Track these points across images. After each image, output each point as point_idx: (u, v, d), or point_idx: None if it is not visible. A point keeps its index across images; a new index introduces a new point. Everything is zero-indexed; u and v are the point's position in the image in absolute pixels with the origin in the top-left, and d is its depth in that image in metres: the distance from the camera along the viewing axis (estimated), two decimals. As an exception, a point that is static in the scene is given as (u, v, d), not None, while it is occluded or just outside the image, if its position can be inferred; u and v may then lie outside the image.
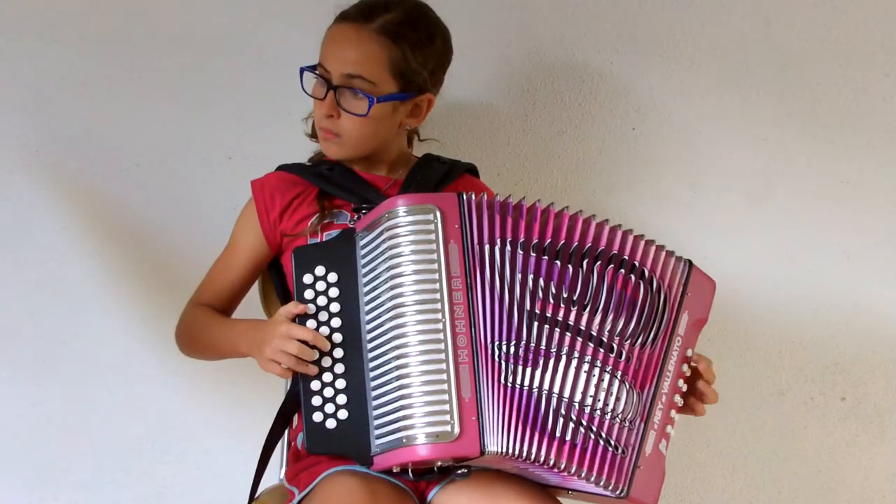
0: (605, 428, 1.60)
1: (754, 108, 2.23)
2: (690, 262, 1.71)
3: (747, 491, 2.33)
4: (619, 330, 1.63)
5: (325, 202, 1.80)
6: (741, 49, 2.21)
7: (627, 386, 1.62)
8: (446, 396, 1.55)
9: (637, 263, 1.65)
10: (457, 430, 1.54)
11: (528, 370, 1.58)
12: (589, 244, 1.64)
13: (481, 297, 1.59)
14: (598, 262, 1.63)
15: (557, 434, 1.57)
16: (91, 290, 2.14)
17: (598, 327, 1.62)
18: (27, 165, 2.11)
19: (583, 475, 1.57)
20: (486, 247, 1.60)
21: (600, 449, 1.58)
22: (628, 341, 1.63)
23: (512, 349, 1.58)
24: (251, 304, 1.91)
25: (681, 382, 1.67)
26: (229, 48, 2.12)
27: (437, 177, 1.84)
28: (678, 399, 1.67)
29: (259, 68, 2.12)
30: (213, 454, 2.22)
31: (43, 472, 2.18)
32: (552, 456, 1.56)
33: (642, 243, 1.67)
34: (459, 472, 1.62)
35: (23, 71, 2.10)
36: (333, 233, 1.76)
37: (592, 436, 1.58)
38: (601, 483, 1.58)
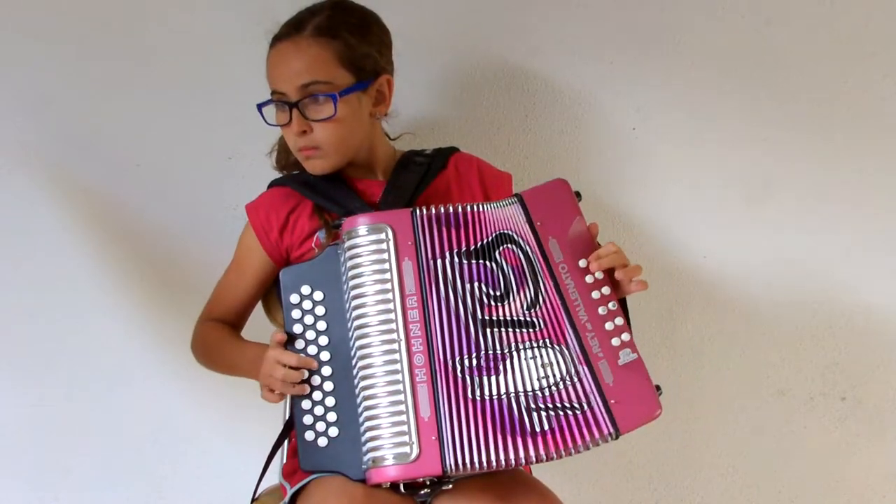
0: (558, 398, 1.60)
1: (754, 108, 2.23)
2: (520, 196, 1.67)
3: (747, 491, 2.33)
4: (528, 302, 1.63)
5: (325, 215, 1.80)
6: (741, 49, 2.21)
7: (551, 347, 1.61)
8: (405, 418, 1.57)
9: (506, 231, 1.65)
10: (415, 450, 1.56)
11: (493, 378, 1.60)
12: (492, 234, 1.64)
13: (437, 312, 1.61)
14: (500, 248, 1.64)
15: (538, 429, 1.58)
16: (91, 290, 2.14)
17: (518, 310, 1.62)
18: (27, 165, 2.11)
19: (568, 453, 1.58)
20: (439, 261, 1.62)
21: (569, 420, 1.59)
22: (532, 309, 1.63)
23: (474, 361, 1.60)
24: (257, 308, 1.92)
25: (596, 294, 1.64)
26: (229, 48, 2.12)
27: (415, 181, 1.83)
28: (605, 310, 1.63)
29: (259, 68, 2.11)
30: (212, 454, 2.22)
31: (43, 472, 2.18)
32: (542, 451, 1.57)
33: (493, 211, 1.66)
34: (444, 487, 1.62)
35: (23, 71, 2.10)
36: None
37: (556, 413, 1.59)
38: (588, 445, 1.59)
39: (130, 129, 2.13)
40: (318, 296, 1.66)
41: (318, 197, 1.80)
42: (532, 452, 1.57)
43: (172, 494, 2.22)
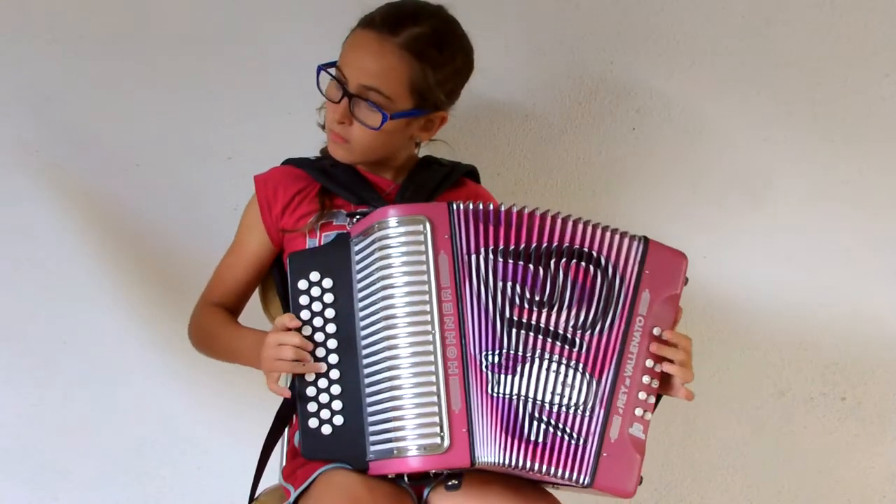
0: (562, 419, 1.60)
1: (754, 108, 2.23)
2: (646, 239, 1.67)
3: (747, 491, 2.33)
4: (579, 322, 1.62)
5: (325, 200, 1.79)
6: (741, 49, 2.21)
7: (583, 374, 1.61)
8: (436, 409, 1.56)
9: (593, 251, 1.64)
10: (447, 442, 1.56)
11: (509, 378, 1.59)
12: (555, 242, 1.63)
13: (470, 307, 1.60)
14: (563, 259, 1.62)
15: (533, 438, 1.58)
16: (91, 290, 2.14)
17: (562, 324, 1.62)
18: (27, 165, 2.11)
19: (545, 472, 1.58)
20: (473, 256, 1.61)
21: (560, 442, 1.59)
22: (581, 330, 1.62)
23: (496, 358, 1.59)
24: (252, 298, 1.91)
25: (650, 363, 1.64)
26: (229, 48, 2.12)
27: (434, 182, 1.83)
28: (648, 380, 1.64)
29: (259, 67, 2.12)
30: (213, 454, 2.22)
31: (43, 472, 2.18)
32: (529, 460, 1.57)
33: (598, 230, 1.64)
34: (450, 483, 1.62)
35: (23, 71, 2.10)
36: (332, 234, 1.76)
37: (552, 430, 1.59)
38: (562, 475, 1.58)
39: (130, 128, 2.13)
40: (328, 283, 1.65)
41: (331, 184, 1.79)
42: (521, 459, 1.57)
43: (172, 494, 2.22)
